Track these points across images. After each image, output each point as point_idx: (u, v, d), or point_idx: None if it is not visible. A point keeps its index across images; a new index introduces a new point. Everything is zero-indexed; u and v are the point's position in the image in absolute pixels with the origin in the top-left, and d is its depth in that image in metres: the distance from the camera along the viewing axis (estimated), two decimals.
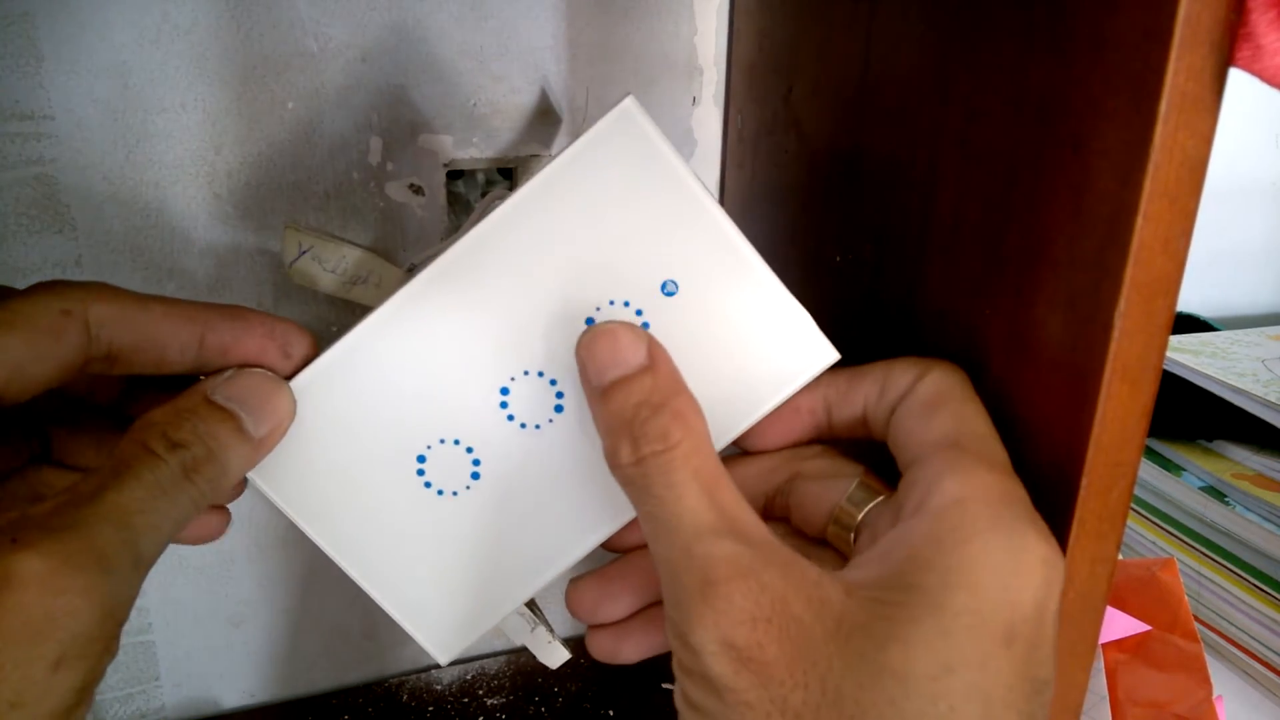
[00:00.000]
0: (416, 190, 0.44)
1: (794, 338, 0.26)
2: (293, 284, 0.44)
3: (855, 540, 0.25)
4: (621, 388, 0.23)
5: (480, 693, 0.50)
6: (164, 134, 0.40)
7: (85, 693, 0.20)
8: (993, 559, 0.20)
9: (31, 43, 0.37)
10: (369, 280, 0.42)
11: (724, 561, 0.21)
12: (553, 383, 0.26)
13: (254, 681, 0.50)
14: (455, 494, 0.27)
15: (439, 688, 0.51)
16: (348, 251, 0.42)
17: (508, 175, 0.47)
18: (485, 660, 0.52)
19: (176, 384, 0.27)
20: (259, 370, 0.25)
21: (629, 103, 0.24)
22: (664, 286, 0.25)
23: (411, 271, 0.42)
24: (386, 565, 0.27)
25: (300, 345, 0.26)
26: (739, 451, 0.28)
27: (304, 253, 0.41)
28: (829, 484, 0.26)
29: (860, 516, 0.25)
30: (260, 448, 0.24)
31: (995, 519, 0.21)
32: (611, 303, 0.25)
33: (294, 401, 0.25)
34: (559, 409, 0.26)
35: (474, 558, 0.27)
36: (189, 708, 0.49)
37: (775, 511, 0.28)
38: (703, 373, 0.25)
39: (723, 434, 0.26)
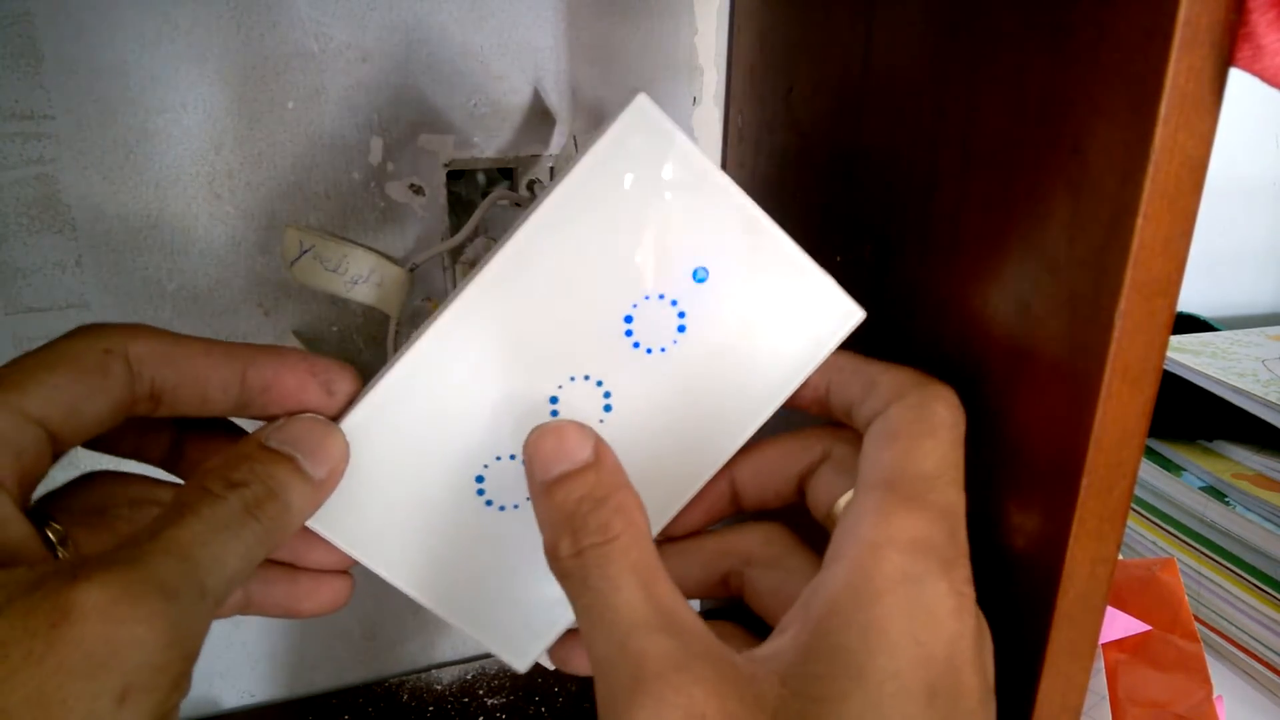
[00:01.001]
0: (416, 190, 0.44)
1: (821, 302, 0.26)
2: (294, 284, 0.44)
3: None
4: (565, 482, 0.24)
5: (480, 693, 0.50)
6: (164, 134, 0.40)
7: None
8: (904, 614, 0.21)
9: (31, 43, 0.37)
10: (370, 279, 0.42)
11: (658, 657, 0.20)
12: (599, 384, 0.26)
13: (254, 681, 0.50)
14: (517, 506, 0.27)
15: (439, 688, 0.51)
16: (349, 250, 0.42)
17: (508, 175, 0.47)
18: (485, 660, 0.52)
19: (226, 438, 0.27)
20: (309, 415, 0.25)
21: (642, 99, 0.24)
22: (695, 274, 0.25)
23: (413, 271, 0.42)
24: (455, 587, 0.27)
25: (343, 381, 0.25)
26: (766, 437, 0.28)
27: (305, 252, 0.41)
28: (841, 477, 0.26)
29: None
30: (320, 490, 0.24)
31: (905, 571, 0.21)
32: (647, 298, 0.25)
33: (347, 443, 0.25)
34: (608, 409, 0.26)
35: (540, 564, 0.28)
36: (188, 707, 0.49)
37: (803, 489, 0.28)
38: (741, 348, 0.26)
39: (769, 402, 0.27)
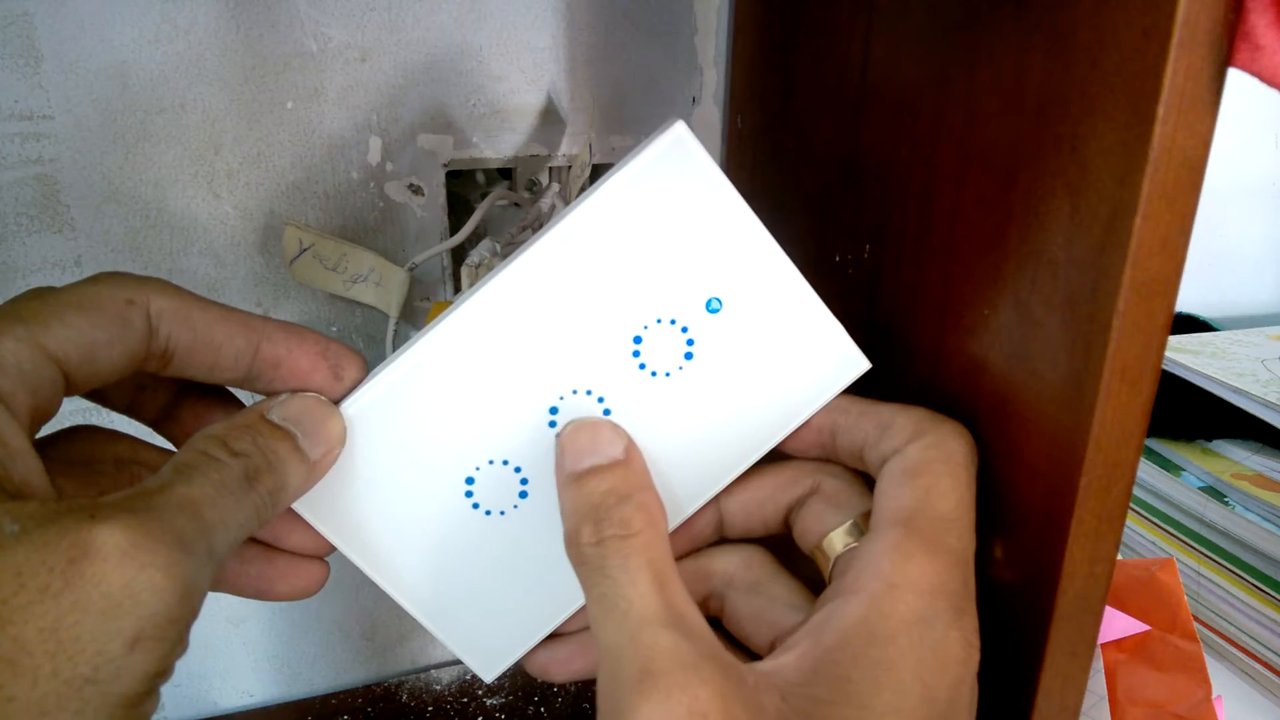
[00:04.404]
0: (416, 190, 0.44)
1: (829, 349, 0.27)
2: (292, 283, 0.44)
3: (830, 572, 0.26)
4: (595, 475, 0.24)
5: (480, 693, 0.50)
6: (164, 134, 0.40)
7: (158, 680, 0.19)
8: (915, 656, 0.22)
9: (31, 43, 0.37)
10: (369, 278, 0.42)
11: (667, 653, 0.21)
12: (600, 400, 0.26)
13: (253, 681, 0.50)
14: (503, 513, 0.27)
15: (438, 688, 0.51)
16: (348, 250, 0.42)
17: (507, 175, 0.47)
18: None
19: (221, 407, 0.27)
20: (313, 395, 0.25)
21: (679, 127, 0.24)
22: (709, 304, 0.26)
23: (413, 271, 0.42)
24: (432, 587, 0.27)
25: (351, 368, 0.25)
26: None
27: (305, 250, 0.41)
28: (832, 511, 0.27)
29: (836, 555, 0.26)
30: (314, 471, 0.24)
31: (920, 614, 0.22)
32: (659, 320, 0.26)
33: (345, 428, 0.25)
34: None
35: (520, 574, 0.28)
36: (187, 707, 0.50)
37: (788, 520, 0.29)
38: (744, 382, 0.27)
39: (766, 439, 0.28)
